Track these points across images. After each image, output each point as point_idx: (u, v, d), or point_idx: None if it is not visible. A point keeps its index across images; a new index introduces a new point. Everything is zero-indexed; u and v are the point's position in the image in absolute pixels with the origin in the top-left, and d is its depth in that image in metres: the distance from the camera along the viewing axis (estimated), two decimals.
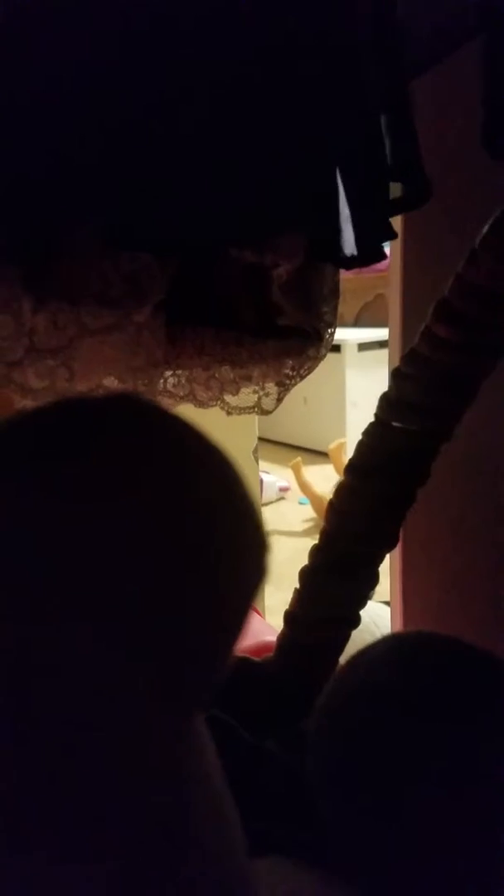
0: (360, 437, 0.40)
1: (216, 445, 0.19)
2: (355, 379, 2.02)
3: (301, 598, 0.41)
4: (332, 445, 1.65)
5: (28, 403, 0.35)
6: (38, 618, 0.15)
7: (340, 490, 0.40)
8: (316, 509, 1.59)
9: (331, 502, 0.40)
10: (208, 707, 0.18)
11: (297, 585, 0.42)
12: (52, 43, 0.29)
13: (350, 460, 0.40)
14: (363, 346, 2.04)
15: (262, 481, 1.67)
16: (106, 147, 0.31)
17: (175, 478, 0.18)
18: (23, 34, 0.29)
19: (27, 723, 0.13)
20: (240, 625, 0.19)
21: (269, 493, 1.77)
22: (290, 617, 0.42)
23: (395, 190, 0.41)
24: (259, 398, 0.48)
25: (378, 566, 0.40)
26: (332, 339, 0.47)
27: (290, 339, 0.45)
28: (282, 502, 1.81)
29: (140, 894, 0.14)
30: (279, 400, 0.48)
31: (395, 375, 0.37)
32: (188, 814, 0.16)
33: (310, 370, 0.47)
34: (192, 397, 0.47)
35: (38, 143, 0.30)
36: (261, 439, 1.08)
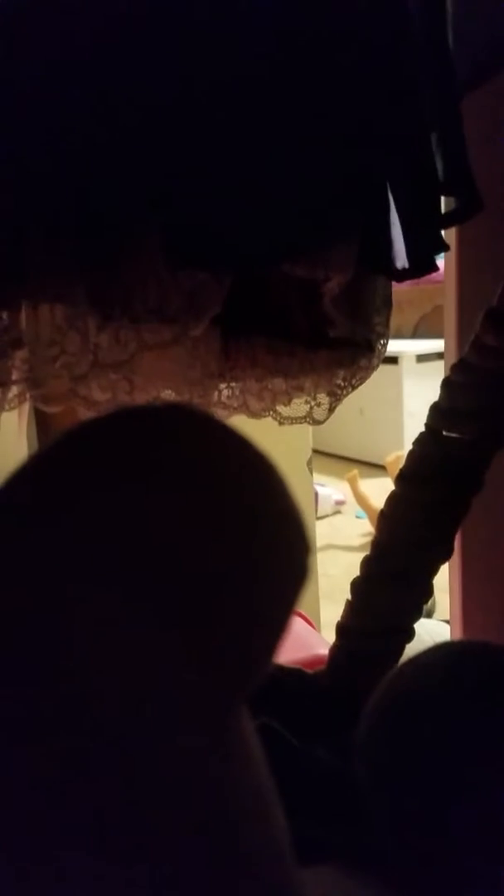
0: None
1: (260, 450, 0.20)
2: (413, 390, 1.98)
3: (353, 609, 0.41)
4: (389, 458, 1.62)
5: (92, 415, 0.37)
6: (94, 616, 0.16)
7: (392, 499, 0.40)
8: (373, 523, 1.56)
9: (382, 512, 0.40)
10: (247, 703, 0.18)
11: (349, 597, 0.42)
12: (118, 62, 0.31)
13: (401, 469, 0.40)
14: (421, 358, 2.00)
15: (317, 494, 1.66)
16: (166, 169, 0.33)
17: (219, 480, 0.18)
18: (97, 53, 0.31)
19: (54, 710, 0.14)
20: (282, 623, 0.19)
21: (324, 507, 1.75)
22: (342, 628, 0.42)
23: (448, 204, 0.41)
24: (311, 408, 0.48)
25: (432, 577, 0.39)
26: (385, 350, 0.47)
27: (341, 350, 0.45)
28: (338, 516, 1.79)
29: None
30: (331, 410, 0.48)
31: (445, 384, 0.37)
32: (231, 815, 0.16)
33: (362, 381, 0.47)
34: (245, 408, 0.48)
35: (101, 167, 0.32)
36: (317, 451, 1.08)
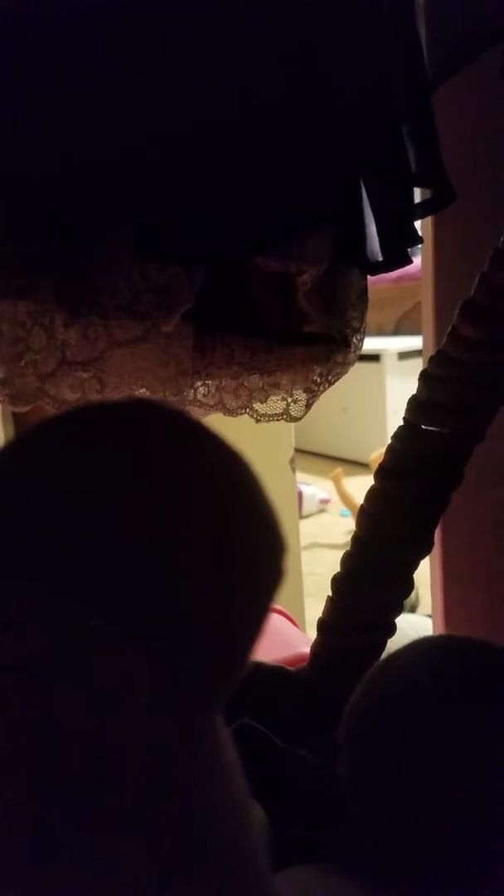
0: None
1: (232, 447, 0.19)
2: (396, 388, 1.99)
3: (334, 605, 0.41)
4: (373, 455, 1.63)
5: None
6: (52, 617, 0.15)
7: (371, 494, 0.39)
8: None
9: (362, 507, 0.40)
10: (222, 707, 0.18)
11: (330, 593, 0.42)
12: (79, 51, 0.30)
13: (380, 464, 0.39)
14: (403, 355, 2.01)
15: (302, 493, 1.66)
16: (133, 159, 0.32)
17: (187, 476, 0.18)
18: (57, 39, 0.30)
19: (24, 721, 0.14)
20: (256, 625, 0.19)
21: (309, 506, 1.75)
22: (323, 625, 0.42)
23: (421, 196, 0.41)
24: (288, 405, 0.48)
25: (412, 572, 0.39)
26: (362, 346, 0.47)
27: (317, 345, 0.45)
28: (323, 514, 1.79)
29: None
30: (308, 406, 0.48)
31: (423, 377, 0.37)
32: (201, 819, 0.15)
33: (338, 376, 0.47)
34: (221, 406, 0.48)
35: (69, 157, 0.31)
36: (301, 451, 1.07)
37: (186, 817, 0.15)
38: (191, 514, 0.17)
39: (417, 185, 0.38)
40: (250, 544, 0.18)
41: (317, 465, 2.07)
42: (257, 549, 0.19)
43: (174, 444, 0.18)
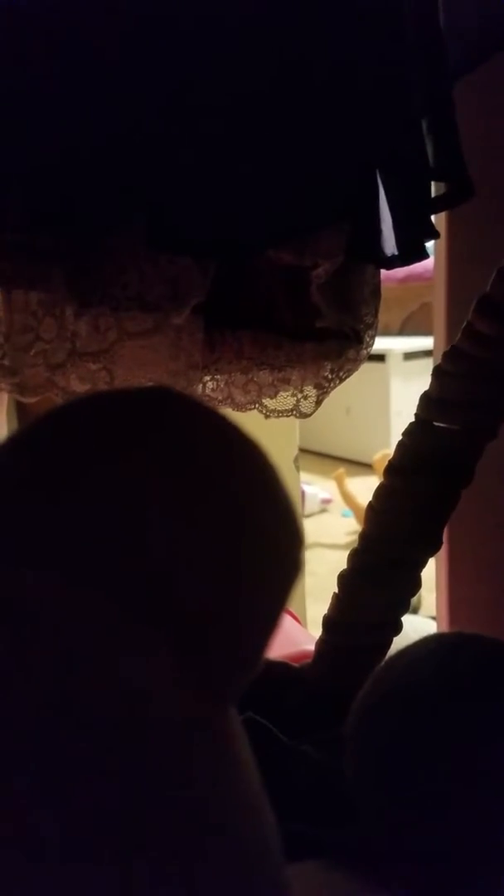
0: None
1: (251, 438, 0.19)
2: (400, 388, 1.99)
3: (340, 602, 0.40)
4: (376, 456, 1.62)
5: None
6: (70, 605, 0.15)
7: (380, 491, 0.39)
8: (360, 521, 1.56)
9: (370, 504, 0.39)
10: (236, 701, 0.18)
11: (336, 590, 0.41)
12: (93, 42, 0.30)
13: (390, 461, 0.39)
14: (408, 356, 2.00)
15: (304, 493, 1.66)
16: (146, 150, 0.32)
17: (208, 466, 0.17)
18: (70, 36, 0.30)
19: (42, 715, 0.13)
20: (274, 619, 0.18)
21: (311, 505, 1.75)
22: (328, 622, 0.41)
23: (438, 191, 0.41)
24: (297, 401, 0.48)
25: (420, 569, 0.39)
26: (373, 342, 0.47)
27: (329, 341, 0.45)
28: (324, 514, 1.79)
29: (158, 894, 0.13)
30: (318, 403, 0.47)
31: (436, 373, 0.36)
32: (219, 814, 0.15)
33: (349, 373, 0.47)
34: (230, 401, 0.47)
35: (81, 146, 0.31)
36: (303, 450, 1.07)
37: (203, 806, 0.15)
38: (212, 505, 0.17)
39: (436, 179, 0.38)
40: (270, 536, 0.18)
41: (319, 464, 2.06)
42: (276, 540, 0.18)
43: (194, 433, 0.18)
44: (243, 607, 0.17)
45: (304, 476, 1.39)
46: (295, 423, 1.04)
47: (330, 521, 1.75)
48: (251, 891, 0.16)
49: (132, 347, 0.38)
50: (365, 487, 1.64)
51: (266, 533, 0.18)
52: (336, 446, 2.20)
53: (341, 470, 1.65)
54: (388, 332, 2.23)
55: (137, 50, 0.32)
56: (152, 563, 0.16)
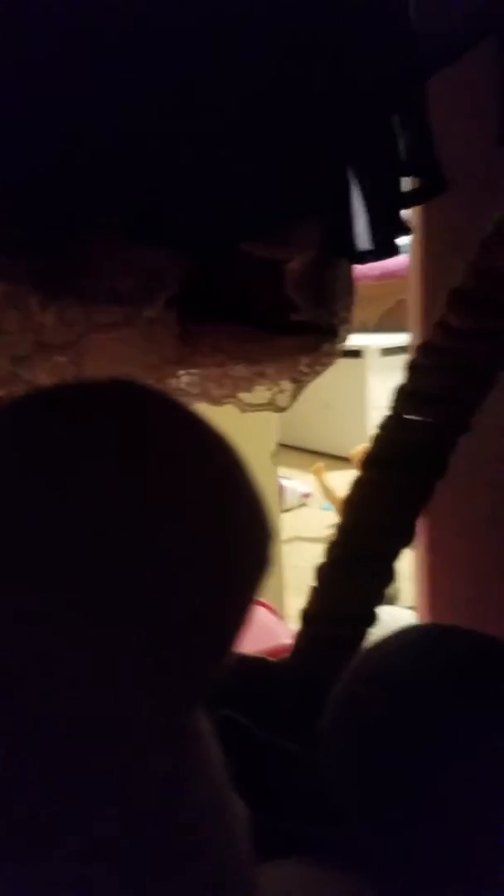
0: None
1: (219, 432, 0.18)
2: (377, 384, 2.01)
3: (317, 594, 0.41)
4: (353, 450, 1.63)
5: None
6: (31, 606, 0.14)
7: (356, 484, 0.39)
8: (339, 514, 1.57)
9: (347, 497, 0.39)
10: (205, 701, 0.17)
11: (314, 583, 0.41)
12: (58, 29, 0.29)
13: (366, 454, 0.39)
14: (385, 352, 2.03)
15: (284, 487, 1.66)
16: (117, 141, 0.31)
17: (174, 461, 0.17)
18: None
19: (10, 714, 0.13)
20: (241, 615, 0.18)
21: (291, 499, 1.76)
22: (306, 614, 0.41)
23: (412, 185, 0.41)
24: (274, 395, 0.47)
25: (394, 561, 0.39)
26: (348, 336, 0.47)
27: (305, 335, 0.44)
28: (304, 508, 1.80)
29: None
30: (294, 397, 0.47)
31: (410, 367, 0.37)
32: (183, 813, 0.15)
33: (325, 366, 0.47)
34: (206, 395, 0.47)
35: (49, 136, 0.30)
36: (282, 445, 1.07)
37: (168, 810, 0.15)
38: (177, 501, 0.17)
39: (408, 175, 0.38)
40: (237, 532, 0.18)
41: (299, 459, 2.07)
42: (244, 536, 0.18)
43: (161, 427, 0.18)
44: (212, 603, 0.17)
45: (283, 471, 1.39)
46: (274, 418, 1.04)
47: (310, 514, 1.76)
48: (215, 891, 0.15)
49: (103, 340, 0.38)
50: (344, 481, 1.64)
51: (233, 528, 0.18)
52: (315, 441, 2.22)
53: (320, 464, 1.66)
54: (364, 329, 2.25)
55: (111, 39, 0.31)
56: (115, 564, 0.15)
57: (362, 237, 0.39)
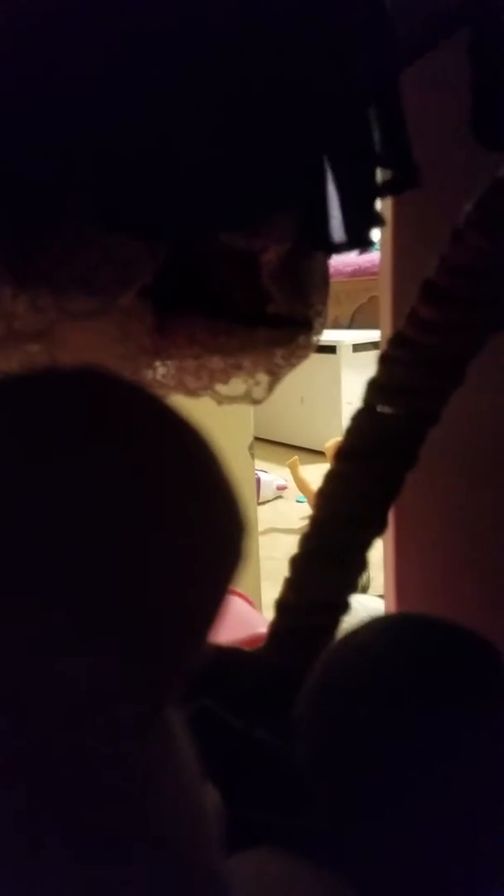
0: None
1: (191, 423, 0.18)
2: (350, 379, 2.04)
3: (291, 585, 0.41)
4: (328, 444, 1.65)
5: None
6: None
7: (329, 476, 0.40)
8: (313, 507, 1.58)
9: (319, 489, 0.40)
10: (179, 695, 0.17)
11: (288, 573, 0.42)
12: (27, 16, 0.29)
13: (338, 446, 0.40)
14: (357, 347, 2.05)
15: (259, 480, 1.67)
16: (88, 125, 0.30)
17: (142, 452, 0.17)
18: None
19: None
20: (213, 610, 0.18)
21: (266, 492, 1.77)
22: (280, 605, 0.42)
23: (385, 177, 0.41)
24: (249, 388, 0.47)
25: (367, 551, 0.40)
26: (323, 329, 0.47)
27: (280, 327, 0.45)
28: (279, 500, 1.82)
29: (95, 892, 0.13)
30: (270, 389, 0.47)
31: (382, 359, 0.37)
32: (150, 805, 0.15)
33: (301, 359, 0.47)
34: (182, 387, 0.47)
35: (18, 122, 0.29)
36: (258, 439, 1.08)
37: (135, 802, 0.15)
38: (146, 494, 0.16)
39: (382, 167, 0.38)
40: (208, 525, 0.18)
41: (274, 452, 2.08)
42: (215, 530, 0.18)
43: (128, 416, 0.17)
44: (182, 598, 0.17)
45: (259, 464, 1.39)
46: (250, 412, 1.04)
47: (285, 507, 1.77)
48: (183, 887, 0.15)
49: (76, 329, 0.37)
50: (318, 474, 1.65)
51: (205, 521, 0.18)
52: (290, 435, 2.23)
53: (295, 458, 1.67)
54: (338, 325, 2.27)
55: (83, 20, 0.30)
56: (84, 560, 0.15)
57: (337, 229, 0.39)
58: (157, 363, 0.46)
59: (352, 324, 2.35)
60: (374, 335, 2.00)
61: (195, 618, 0.18)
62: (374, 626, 0.31)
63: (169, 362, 0.47)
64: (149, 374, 0.46)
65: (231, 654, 0.42)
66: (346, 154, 0.38)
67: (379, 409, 0.37)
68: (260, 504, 1.68)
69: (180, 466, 0.18)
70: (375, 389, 0.37)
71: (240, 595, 0.68)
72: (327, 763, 0.29)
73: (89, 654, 0.15)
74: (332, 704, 0.30)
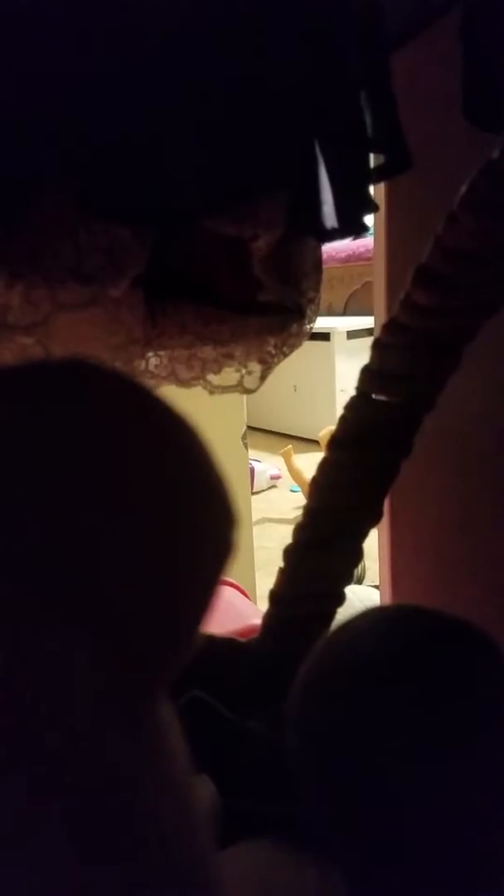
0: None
1: (179, 414, 0.18)
2: (344, 366, 2.02)
3: (285, 575, 0.41)
4: (322, 433, 1.65)
5: None
6: None
7: (323, 465, 0.39)
8: (307, 496, 1.58)
9: (313, 478, 0.40)
10: (167, 686, 0.17)
11: (282, 564, 0.42)
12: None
13: (332, 435, 0.39)
14: (352, 334, 2.03)
15: (253, 469, 1.67)
16: (76, 110, 0.30)
17: (129, 443, 0.16)
18: None
19: None
20: (205, 601, 0.18)
21: (260, 481, 1.77)
22: (275, 596, 0.42)
23: (377, 162, 0.41)
24: (242, 377, 0.47)
25: (361, 541, 0.40)
26: (316, 317, 0.47)
27: (272, 315, 0.44)
28: (273, 490, 1.81)
29: (84, 888, 0.13)
30: (262, 378, 0.47)
31: (376, 346, 0.37)
32: (139, 801, 0.15)
33: (293, 347, 0.46)
34: (173, 377, 0.46)
35: (6, 108, 0.29)
36: (251, 428, 1.07)
37: (123, 798, 0.14)
38: (132, 484, 0.16)
39: (374, 151, 0.38)
40: (197, 516, 0.17)
41: (267, 441, 2.08)
42: (205, 521, 0.18)
43: (116, 407, 0.17)
44: (172, 590, 0.17)
45: (253, 453, 1.39)
46: (243, 401, 1.03)
47: (279, 496, 1.77)
48: (173, 880, 0.15)
49: (68, 321, 0.37)
50: (312, 463, 1.65)
51: (194, 512, 0.17)
52: (283, 423, 2.23)
53: (289, 447, 1.67)
54: (332, 312, 2.25)
55: (72, 9, 0.30)
56: (71, 549, 0.15)
57: (329, 215, 0.39)
58: (150, 354, 0.46)
59: (346, 311, 2.33)
60: (368, 322, 1.99)
61: (185, 610, 0.17)
62: (367, 618, 0.31)
63: (161, 353, 0.47)
64: (141, 365, 0.46)
65: (224, 645, 0.42)
66: (337, 138, 0.37)
67: (374, 396, 0.37)
68: (253, 494, 1.68)
69: (166, 457, 0.17)
70: (370, 376, 0.37)
71: (233, 585, 0.68)
72: (316, 757, 0.29)
73: (75, 648, 0.14)
74: (323, 696, 0.29)
